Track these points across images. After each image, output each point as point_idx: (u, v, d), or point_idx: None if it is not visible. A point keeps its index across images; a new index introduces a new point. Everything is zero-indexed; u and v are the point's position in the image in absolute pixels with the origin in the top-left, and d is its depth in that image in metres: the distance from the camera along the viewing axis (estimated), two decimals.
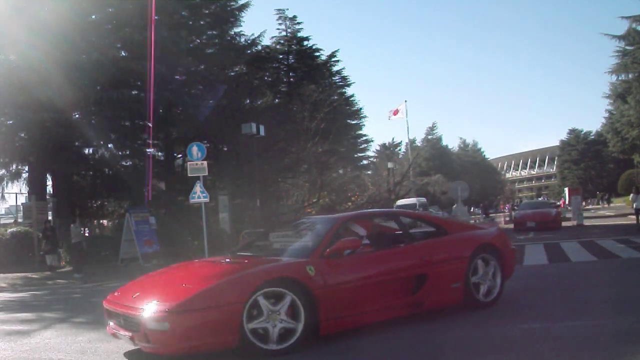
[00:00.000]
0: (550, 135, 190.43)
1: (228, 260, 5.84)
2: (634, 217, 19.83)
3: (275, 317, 4.82)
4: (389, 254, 5.96)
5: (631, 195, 20.84)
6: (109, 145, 21.25)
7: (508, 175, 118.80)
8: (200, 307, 4.55)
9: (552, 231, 20.32)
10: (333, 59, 35.85)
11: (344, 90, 36.85)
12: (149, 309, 4.61)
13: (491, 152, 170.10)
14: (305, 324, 4.91)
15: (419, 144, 70.64)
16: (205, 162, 14.73)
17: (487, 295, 6.33)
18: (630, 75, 37.91)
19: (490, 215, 36.51)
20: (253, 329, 4.72)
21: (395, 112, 45.29)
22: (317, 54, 34.64)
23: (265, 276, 4.88)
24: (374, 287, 5.48)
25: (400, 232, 6.50)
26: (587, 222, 24.47)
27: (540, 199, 71.17)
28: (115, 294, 5.41)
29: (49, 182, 21.57)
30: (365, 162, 45.80)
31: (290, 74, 33.58)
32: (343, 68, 41.47)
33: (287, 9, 41.66)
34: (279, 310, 4.84)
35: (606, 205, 59.80)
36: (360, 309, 5.33)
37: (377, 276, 5.55)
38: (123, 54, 20.90)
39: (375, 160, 51.61)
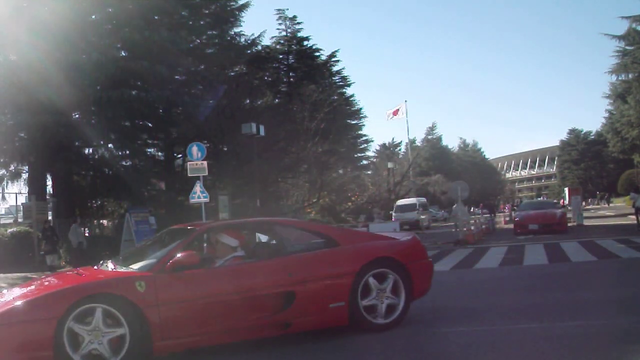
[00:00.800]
0: (550, 135, 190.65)
1: (80, 272, 5.50)
2: (634, 217, 19.85)
3: (98, 336, 4.45)
4: (247, 269, 5.28)
5: (631, 194, 20.79)
6: (109, 145, 21.24)
7: (508, 175, 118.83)
8: (7, 322, 4.33)
9: (557, 234, 18.54)
10: (333, 59, 35.91)
11: (344, 90, 36.92)
12: None
13: (491, 152, 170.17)
14: (131, 344, 4.51)
15: (419, 144, 70.68)
16: (205, 162, 14.72)
17: (386, 316, 5.51)
18: (630, 75, 37.94)
19: (490, 215, 36.52)
20: (85, 354, 4.43)
21: (395, 112, 45.31)
22: (317, 54, 34.69)
23: (77, 295, 4.50)
24: (223, 305, 4.94)
25: (275, 244, 5.80)
26: (587, 222, 24.46)
27: (539, 199, 71.13)
28: None
29: (49, 182, 21.58)
30: (365, 162, 45.89)
31: (290, 74, 33.60)
32: (343, 68, 41.52)
33: (287, 9, 41.75)
34: (98, 329, 4.46)
35: (605, 205, 59.83)
36: (206, 329, 4.86)
37: (226, 293, 4.98)
38: (123, 54, 20.90)
39: (375, 160, 51.64)
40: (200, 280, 5.01)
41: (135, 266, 5.26)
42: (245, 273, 5.23)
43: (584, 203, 44.44)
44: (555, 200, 37.90)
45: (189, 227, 5.90)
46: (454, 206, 24.53)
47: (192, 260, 4.97)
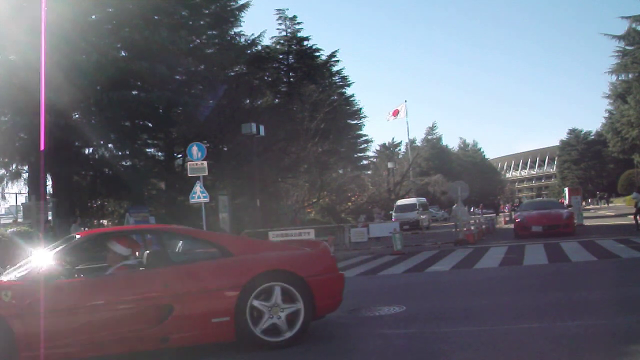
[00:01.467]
0: (550, 135, 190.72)
1: None
2: (633, 217, 19.82)
3: None
4: (122, 280, 5.08)
5: (633, 193, 20.63)
6: (109, 145, 21.26)
7: (508, 175, 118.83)
8: None
9: (563, 237, 16.54)
10: (333, 59, 35.88)
11: (344, 90, 36.91)
12: None
13: (491, 152, 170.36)
14: None
15: (419, 144, 70.70)
16: (205, 162, 14.72)
17: (279, 333, 5.13)
18: (630, 75, 38.00)
19: (490, 214, 36.61)
20: None
21: (395, 113, 45.34)
22: (317, 54, 34.66)
23: None
24: (90, 316, 4.78)
25: (162, 253, 5.46)
26: (587, 222, 24.45)
27: (540, 198, 71.06)
28: None
29: (49, 182, 21.58)
30: (365, 162, 45.86)
31: (290, 74, 33.58)
32: (343, 68, 41.56)
33: (287, 9, 41.70)
34: None
35: (604, 205, 59.84)
36: (75, 339, 4.71)
37: (96, 304, 4.82)
38: (123, 54, 20.91)
39: (375, 160, 51.63)
40: (71, 290, 4.85)
41: (12, 275, 5.12)
42: (119, 283, 5.03)
43: (584, 203, 44.45)
44: (560, 200, 36.97)
45: (76, 235, 5.64)
46: (454, 206, 24.54)
47: (56, 270, 4.88)
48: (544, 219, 18.10)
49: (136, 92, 20.74)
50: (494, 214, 30.05)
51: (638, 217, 18.17)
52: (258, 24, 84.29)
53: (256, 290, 5.04)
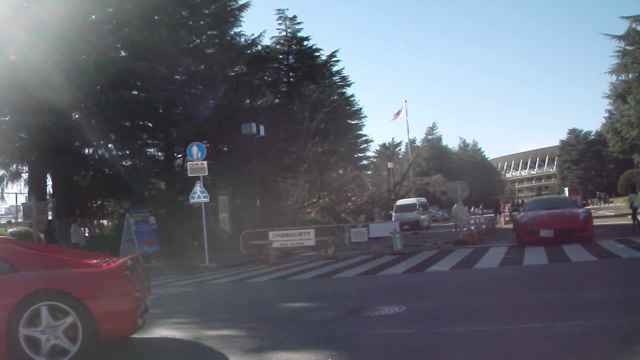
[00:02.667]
0: (550, 135, 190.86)
1: None
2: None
3: None
4: None
5: (629, 194, 20.59)
6: (109, 146, 21.25)
7: (508, 175, 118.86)
8: None
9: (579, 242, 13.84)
10: (333, 59, 35.93)
11: (344, 90, 36.94)
12: None
13: (491, 152, 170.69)
14: None
15: (419, 144, 70.68)
16: (205, 162, 14.75)
17: (56, 356, 4.73)
18: (630, 75, 37.99)
19: (490, 214, 36.61)
20: None
21: (397, 114, 45.38)
22: (317, 54, 34.70)
23: None
24: None
25: None
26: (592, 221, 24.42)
27: (548, 195, 70.84)
28: None
29: (49, 182, 21.57)
30: (365, 162, 45.89)
31: (290, 74, 33.60)
32: (343, 68, 41.64)
33: (287, 9, 41.83)
34: None
35: (602, 205, 59.89)
36: None
37: None
38: (123, 54, 20.90)
39: (375, 160, 51.64)
40: None
41: None
42: None
43: (584, 203, 44.43)
44: (574, 198, 31.78)
45: None
46: (454, 206, 24.54)
47: None
48: (557, 221, 14.54)
49: (136, 92, 20.73)
50: (494, 214, 30.02)
51: (638, 217, 18.18)
52: (258, 24, 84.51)
53: (30, 309, 4.69)
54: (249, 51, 27.31)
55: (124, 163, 21.79)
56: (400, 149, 63.79)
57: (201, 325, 6.65)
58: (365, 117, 48.39)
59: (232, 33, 26.11)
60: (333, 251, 15.68)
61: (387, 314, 6.44)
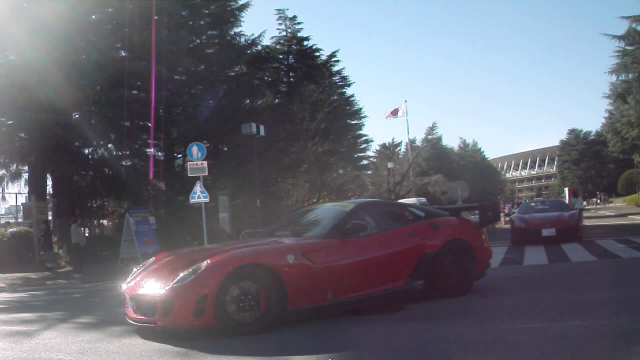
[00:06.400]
0: (550, 135, 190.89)
1: None
2: (634, 217, 19.84)
3: None
4: None
5: (572, 199, 20.44)
6: (109, 145, 21.26)
7: (508, 175, 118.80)
8: None
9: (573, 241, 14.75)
10: (333, 59, 35.86)
11: (344, 90, 36.87)
12: None
13: (491, 152, 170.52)
14: None
15: (419, 144, 70.58)
16: (205, 162, 14.73)
17: None
18: (630, 75, 37.97)
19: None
20: None
21: (394, 112, 45.27)
22: (317, 54, 34.64)
23: None
24: None
25: None
26: (587, 222, 24.46)
27: (539, 198, 70.98)
28: None
29: (49, 182, 21.58)
30: (365, 162, 45.82)
31: (290, 74, 33.57)
32: (343, 68, 41.55)
33: (287, 9, 41.77)
34: None
35: (600, 205, 59.92)
36: None
37: None
38: (123, 54, 20.91)
39: (375, 160, 51.60)
40: None
41: None
42: None
43: (584, 203, 44.44)
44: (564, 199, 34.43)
45: None
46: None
47: None
48: (552, 221, 15.47)
49: (136, 92, 20.73)
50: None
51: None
52: (258, 24, 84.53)
53: None
54: (249, 51, 27.31)
55: (124, 163, 21.80)
56: (400, 149, 63.78)
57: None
58: (366, 117, 48.39)
59: (232, 33, 26.11)
60: None
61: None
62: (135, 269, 6.59)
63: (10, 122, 19.34)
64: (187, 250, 7.26)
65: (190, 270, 5.55)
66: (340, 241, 6.35)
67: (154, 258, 6.71)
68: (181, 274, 5.54)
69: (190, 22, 23.96)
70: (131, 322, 5.88)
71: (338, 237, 6.38)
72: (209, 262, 5.58)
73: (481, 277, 7.67)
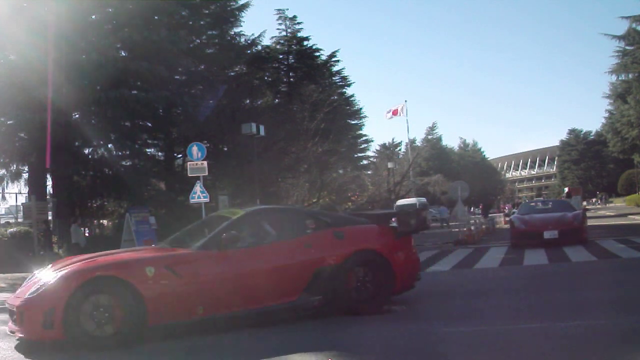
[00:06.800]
0: (550, 135, 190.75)
1: None
2: (634, 217, 19.84)
3: None
4: None
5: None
6: (109, 145, 21.25)
7: (508, 175, 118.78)
8: None
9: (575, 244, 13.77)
10: (333, 59, 35.84)
11: (344, 90, 36.85)
12: None
13: (491, 152, 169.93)
14: None
15: (419, 144, 70.59)
16: (205, 162, 14.72)
17: None
18: (630, 75, 37.95)
19: (490, 215, 36.59)
20: None
21: (395, 112, 45.27)
22: (317, 54, 34.63)
23: None
24: None
25: None
26: (587, 223, 24.44)
27: (540, 198, 70.97)
28: None
29: (49, 182, 21.58)
30: (365, 162, 45.78)
31: (290, 74, 33.56)
32: (343, 68, 41.47)
33: (287, 9, 41.63)
34: None
35: (600, 205, 59.96)
36: None
37: None
38: (123, 54, 20.91)
39: (375, 160, 51.59)
40: None
41: None
42: None
43: (585, 203, 44.42)
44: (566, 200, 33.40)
45: None
46: (455, 208, 24.53)
47: None
48: (553, 222, 14.55)
49: (136, 92, 20.73)
50: (483, 216, 30.26)
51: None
52: (258, 24, 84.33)
53: None
54: (249, 51, 27.31)
55: (124, 163, 21.80)
56: (400, 149, 63.80)
57: (200, 326, 6.64)
58: (366, 117, 48.27)
59: (232, 33, 26.12)
60: None
61: (387, 313, 6.44)
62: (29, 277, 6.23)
63: (11, 122, 19.34)
64: (79, 258, 6.34)
65: (42, 282, 5.41)
66: (219, 253, 5.89)
67: (51, 265, 6.32)
68: (36, 285, 5.42)
69: (190, 22, 23.96)
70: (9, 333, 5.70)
71: (214, 248, 5.92)
72: (60, 273, 5.39)
73: (406, 291, 6.85)
